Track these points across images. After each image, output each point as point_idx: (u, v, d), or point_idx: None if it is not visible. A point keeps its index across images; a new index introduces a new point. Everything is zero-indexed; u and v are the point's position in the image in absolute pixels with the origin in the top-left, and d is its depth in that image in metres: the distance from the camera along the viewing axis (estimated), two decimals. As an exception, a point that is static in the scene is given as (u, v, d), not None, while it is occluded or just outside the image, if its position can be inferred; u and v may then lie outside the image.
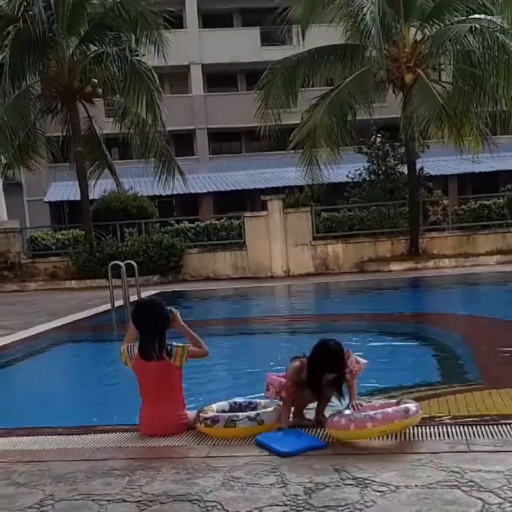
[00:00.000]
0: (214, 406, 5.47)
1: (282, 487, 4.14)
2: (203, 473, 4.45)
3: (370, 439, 4.89)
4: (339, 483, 4.16)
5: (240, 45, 35.67)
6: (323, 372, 5.27)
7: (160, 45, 20.96)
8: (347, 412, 5.17)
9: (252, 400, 5.57)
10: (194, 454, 4.87)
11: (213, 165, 35.82)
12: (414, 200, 21.30)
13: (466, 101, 19.33)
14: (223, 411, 5.38)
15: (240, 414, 5.20)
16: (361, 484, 4.13)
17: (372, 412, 4.93)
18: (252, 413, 5.18)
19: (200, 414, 5.27)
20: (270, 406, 5.34)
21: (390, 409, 4.94)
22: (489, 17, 18.85)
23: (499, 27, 18.46)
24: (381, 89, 21.46)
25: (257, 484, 4.21)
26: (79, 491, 4.27)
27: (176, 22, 24.09)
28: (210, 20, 37.42)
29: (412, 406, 5.00)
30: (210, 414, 5.25)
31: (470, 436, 4.93)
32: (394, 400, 5.50)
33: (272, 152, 32.59)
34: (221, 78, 38.15)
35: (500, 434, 4.95)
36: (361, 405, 5.37)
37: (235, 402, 5.58)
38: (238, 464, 4.56)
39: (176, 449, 5.01)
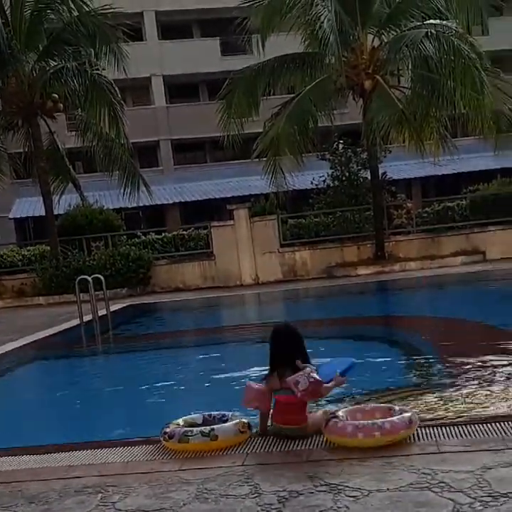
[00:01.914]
0: (182, 419, 5.46)
1: (256, 497, 4.16)
2: (176, 486, 4.45)
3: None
4: (312, 490, 4.19)
5: (201, 55, 35.70)
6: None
7: (120, 58, 20.89)
8: (340, 414, 5.19)
9: (225, 413, 5.56)
10: (167, 468, 4.86)
11: (178, 175, 35.77)
12: (379, 204, 21.49)
13: (425, 105, 19.57)
14: (195, 424, 5.38)
15: (194, 429, 5.17)
16: (334, 490, 4.16)
17: (379, 421, 4.95)
18: (207, 428, 5.14)
19: (164, 428, 5.28)
20: (236, 419, 5.34)
21: (395, 419, 4.97)
22: (444, 22, 19.08)
23: (454, 32, 18.72)
24: (341, 96, 21.64)
25: (230, 495, 4.22)
26: (52, 510, 4.24)
27: (135, 35, 24.03)
28: (170, 31, 37.40)
29: (412, 415, 5.05)
30: (171, 428, 5.25)
31: (440, 437, 5.00)
32: (385, 405, 5.55)
33: (237, 161, 32.65)
34: (183, 89, 38.13)
35: (469, 434, 5.02)
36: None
37: (210, 415, 5.58)
38: (211, 476, 4.57)
39: (149, 464, 5.00)
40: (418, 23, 19.84)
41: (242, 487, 4.34)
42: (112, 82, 21.11)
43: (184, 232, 23.13)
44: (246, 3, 20.68)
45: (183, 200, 32.96)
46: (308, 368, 5.30)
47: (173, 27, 37.58)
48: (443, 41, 18.36)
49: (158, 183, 30.01)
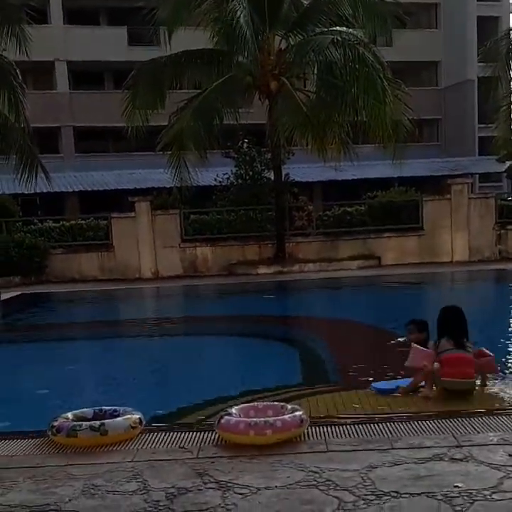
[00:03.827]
0: (72, 413, 5.35)
1: (144, 493, 4.13)
2: (62, 482, 4.35)
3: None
4: (201, 487, 4.19)
5: (107, 43, 35.01)
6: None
7: (22, 39, 20.16)
8: (233, 411, 5.21)
9: (117, 408, 5.48)
10: (53, 462, 4.74)
11: (80, 164, 34.97)
12: (281, 205, 21.69)
13: (329, 110, 19.85)
14: (85, 418, 5.28)
15: (84, 423, 5.09)
16: (223, 487, 4.18)
17: (271, 419, 4.99)
18: (96, 423, 5.07)
19: (52, 422, 5.16)
20: (127, 414, 5.27)
21: (287, 417, 5.02)
22: (350, 30, 19.44)
23: (359, 40, 19.12)
24: (248, 95, 21.69)
25: (118, 491, 4.16)
26: None
27: (40, 17, 23.27)
28: (76, 16, 36.45)
29: (303, 415, 5.11)
30: (59, 422, 5.13)
31: (329, 436, 5.10)
32: (278, 403, 5.61)
33: (141, 153, 32.22)
34: (88, 76, 37.28)
35: (357, 433, 5.15)
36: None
37: (100, 409, 5.49)
38: (99, 472, 4.49)
39: (35, 458, 4.87)
40: (325, 29, 20.11)
41: (130, 483, 4.29)
42: (13, 63, 20.37)
43: (83, 222, 22.61)
44: (154, -7, 20.42)
45: (83, 189, 32.26)
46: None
47: (80, 12, 36.64)
48: (348, 49, 18.69)
49: (58, 170, 29.23)
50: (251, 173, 23.47)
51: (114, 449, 4.94)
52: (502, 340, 9.85)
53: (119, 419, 5.18)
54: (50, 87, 36.39)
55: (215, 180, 24.22)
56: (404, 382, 6.91)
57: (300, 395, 7.17)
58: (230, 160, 23.89)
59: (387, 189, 23.70)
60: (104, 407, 5.52)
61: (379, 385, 7.04)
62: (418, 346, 6.90)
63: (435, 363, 6.53)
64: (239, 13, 18.57)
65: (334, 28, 19.69)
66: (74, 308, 17.15)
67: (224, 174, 23.96)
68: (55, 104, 35.17)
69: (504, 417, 5.43)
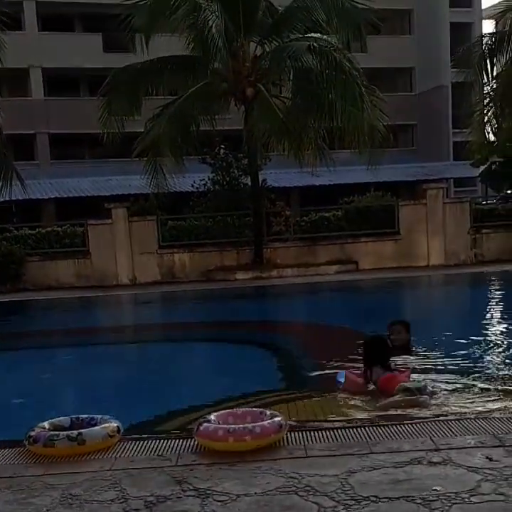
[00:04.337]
0: (49, 422, 5.29)
1: (123, 502, 4.09)
2: (39, 491, 4.30)
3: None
4: (180, 495, 4.17)
5: (83, 50, 34.90)
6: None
7: (-5, 46, 20.02)
8: (212, 417, 5.20)
9: (95, 416, 5.43)
10: (30, 472, 4.69)
11: (55, 171, 34.76)
12: (258, 211, 21.72)
13: (305, 116, 19.93)
14: (62, 427, 5.23)
15: (61, 433, 5.02)
16: (202, 495, 4.16)
17: (250, 425, 4.97)
18: (74, 432, 5.01)
19: (28, 432, 5.11)
20: (105, 423, 5.23)
21: (266, 423, 5.01)
22: (325, 36, 19.55)
23: (335, 47, 19.24)
24: (224, 102, 21.72)
25: (96, 501, 4.13)
26: None
27: (14, 24, 23.14)
28: (51, 23, 36.32)
29: (282, 420, 5.10)
30: (36, 431, 5.08)
31: (308, 441, 5.09)
32: (257, 409, 5.60)
33: (117, 159, 32.09)
34: (63, 83, 37.06)
35: (336, 438, 5.15)
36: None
37: (78, 418, 5.42)
38: (77, 481, 4.45)
39: (11, 468, 4.81)
40: (300, 36, 20.20)
41: (108, 492, 4.26)
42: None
43: (59, 229, 22.46)
44: (130, 0, 20.34)
45: (59, 196, 32.07)
46: None
47: (55, 19, 36.49)
48: (324, 55, 18.82)
49: (33, 177, 29.07)
50: (228, 178, 23.48)
51: (92, 457, 4.89)
52: (475, 340, 9.94)
53: (96, 428, 5.13)
54: (24, 94, 36.20)
55: (192, 186, 24.20)
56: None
57: (279, 400, 7.18)
58: (207, 166, 23.87)
59: (363, 194, 23.82)
60: (81, 416, 5.46)
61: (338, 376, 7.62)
62: (350, 373, 7.51)
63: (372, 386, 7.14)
64: (211, 22, 18.61)
65: (309, 35, 19.79)
66: (50, 316, 17.01)
67: (201, 180, 23.94)
68: (30, 110, 35.00)
69: (481, 420, 5.46)
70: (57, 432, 5.01)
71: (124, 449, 5.09)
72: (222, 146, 23.72)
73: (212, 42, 18.50)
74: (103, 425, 5.16)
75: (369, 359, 7.31)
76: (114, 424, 5.24)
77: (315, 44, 18.98)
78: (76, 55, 34.67)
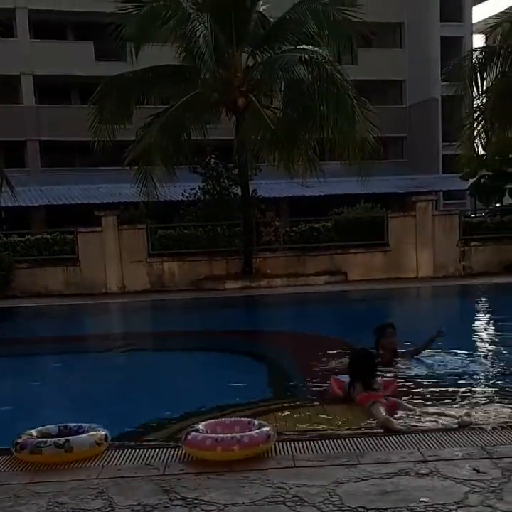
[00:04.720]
0: (36, 430, 5.27)
1: (110, 511, 4.08)
2: (26, 500, 4.28)
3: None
4: (168, 504, 4.16)
5: (74, 58, 34.88)
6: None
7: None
8: (200, 427, 5.19)
9: (82, 425, 5.41)
10: (17, 480, 4.67)
11: (46, 178, 34.66)
12: (248, 220, 21.72)
13: (296, 128, 19.98)
14: (50, 435, 5.21)
15: (48, 440, 5.02)
16: (190, 504, 4.16)
17: (238, 435, 4.98)
18: (61, 439, 5.01)
19: (15, 439, 5.09)
20: (92, 431, 5.22)
21: (254, 433, 5.01)
22: (316, 48, 19.63)
23: (326, 58, 19.33)
24: (215, 112, 21.76)
25: (82, 509, 4.12)
26: None
27: (6, 31, 23.15)
28: (43, 31, 36.31)
29: (270, 430, 5.11)
30: (23, 438, 5.05)
31: (296, 452, 5.10)
32: (245, 419, 5.59)
33: (108, 167, 32.05)
34: (54, 90, 37.04)
35: (324, 449, 5.16)
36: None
37: (65, 426, 5.42)
38: (64, 489, 4.44)
39: (-2, 476, 4.79)
40: (292, 47, 20.29)
41: (95, 501, 4.25)
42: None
43: (49, 236, 22.40)
44: (122, 10, 20.38)
45: (49, 203, 31.98)
46: None
47: (47, 27, 36.45)
48: (316, 67, 18.90)
49: (23, 184, 28.98)
50: (218, 188, 23.50)
51: (79, 466, 4.88)
52: (462, 352, 9.98)
53: (84, 435, 5.12)
54: (16, 101, 36.12)
55: (183, 195, 24.20)
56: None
57: (267, 410, 7.17)
58: (198, 175, 23.89)
59: (353, 205, 23.89)
60: (69, 424, 5.46)
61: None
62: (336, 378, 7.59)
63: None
64: (199, 32, 18.66)
65: (301, 46, 19.87)
66: (38, 324, 16.92)
67: (191, 189, 23.95)
68: (21, 117, 34.95)
69: (469, 432, 5.48)
70: (44, 439, 5.00)
71: (112, 457, 5.08)
72: (213, 156, 23.74)
73: (198, 53, 18.57)
74: (91, 433, 5.15)
75: (352, 374, 7.31)
76: (102, 432, 5.23)
77: (306, 56, 19.06)
78: (68, 63, 34.66)
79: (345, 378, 7.41)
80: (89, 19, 34.60)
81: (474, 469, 4.54)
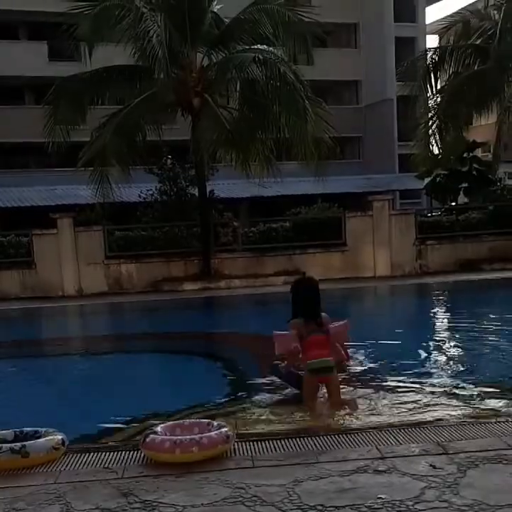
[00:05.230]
0: None
1: (67, 516, 4.04)
2: (-19, 507, 4.22)
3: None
4: (126, 508, 4.13)
5: (27, 58, 34.45)
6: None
7: None
8: (159, 429, 5.16)
9: (39, 429, 5.34)
10: (-29, 486, 4.60)
11: (-1, 180, 34.18)
12: (206, 221, 21.67)
13: (252, 127, 20.02)
14: (5, 440, 5.13)
15: (4, 445, 4.93)
16: (149, 507, 4.13)
17: (197, 436, 4.96)
18: (17, 445, 4.93)
19: None
20: (49, 436, 5.16)
21: (213, 434, 5.00)
22: (271, 49, 19.71)
23: (280, 59, 19.41)
24: (170, 112, 21.68)
25: (40, 515, 4.07)
26: None
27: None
28: (-5, 30, 35.82)
29: (229, 431, 5.10)
30: None
31: (255, 452, 5.11)
32: (204, 420, 5.58)
33: (63, 169, 31.65)
34: (7, 91, 36.51)
35: (283, 448, 5.17)
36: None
37: (21, 431, 5.33)
38: (21, 495, 4.38)
39: (-50, 483, 4.70)
40: (246, 47, 20.33)
41: (52, 506, 4.20)
42: None
43: (3, 239, 22.05)
44: (74, 9, 20.15)
45: (2, 206, 31.51)
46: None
47: (-1, 26, 36.03)
48: (270, 67, 18.97)
49: (-24, 186, 28.54)
50: (175, 189, 23.41)
51: (36, 471, 4.82)
52: (418, 349, 10.12)
53: (41, 440, 5.05)
54: (-34, 102, 35.53)
55: (139, 196, 24.05)
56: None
57: (226, 411, 7.17)
58: (154, 176, 23.76)
59: (311, 205, 24.01)
60: (24, 429, 5.38)
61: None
62: (279, 333, 7.44)
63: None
64: (152, 32, 18.59)
65: (255, 46, 19.94)
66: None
67: (148, 190, 23.81)
68: (-28, 118, 34.35)
69: (425, 428, 5.55)
70: (0, 445, 4.92)
71: (69, 461, 5.02)
72: (169, 157, 23.65)
73: (151, 52, 18.50)
74: (47, 438, 5.09)
75: (295, 306, 7.37)
76: (59, 436, 5.17)
77: (260, 56, 19.13)
78: (21, 63, 34.23)
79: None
80: (42, 19, 34.18)
81: (431, 465, 4.60)
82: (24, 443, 4.95)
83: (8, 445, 4.92)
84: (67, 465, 4.96)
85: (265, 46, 19.67)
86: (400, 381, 8.20)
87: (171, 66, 19.22)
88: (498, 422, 5.66)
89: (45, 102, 20.96)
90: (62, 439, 5.16)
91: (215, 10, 21.45)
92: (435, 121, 23.36)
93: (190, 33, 20.04)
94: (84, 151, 20.20)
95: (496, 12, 25.23)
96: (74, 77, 20.65)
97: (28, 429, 5.38)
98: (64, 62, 30.62)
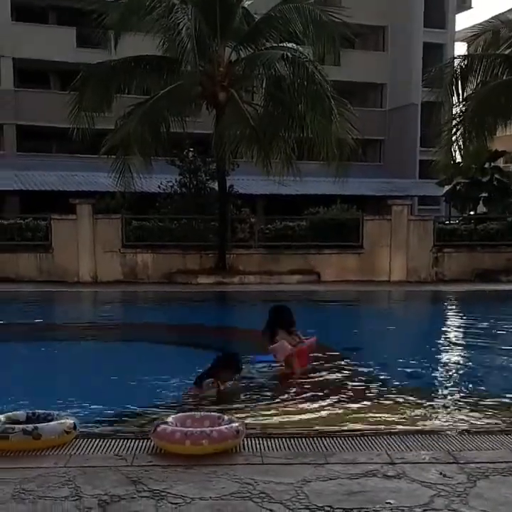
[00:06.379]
0: (4, 416, 5.23)
1: (76, 500, 4.07)
2: (-9, 486, 4.25)
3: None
4: (135, 496, 4.15)
5: (56, 43, 34.59)
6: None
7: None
8: (170, 420, 5.18)
9: (51, 412, 5.38)
10: (-19, 466, 4.64)
11: (21, 162, 34.29)
12: (224, 216, 21.69)
13: (275, 125, 20.03)
14: (18, 421, 5.16)
15: (16, 426, 4.98)
16: (157, 496, 4.15)
17: (208, 429, 4.97)
18: (29, 426, 4.97)
19: None
20: (61, 419, 5.19)
21: (223, 428, 5.01)
22: (299, 47, 19.68)
23: (308, 58, 19.38)
24: (196, 105, 21.70)
25: (49, 497, 4.10)
26: None
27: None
28: (25, 13, 35.88)
29: (239, 426, 5.11)
30: None
31: (265, 449, 5.11)
32: (215, 414, 5.60)
33: (85, 155, 31.78)
34: (34, 75, 36.68)
35: (293, 447, 5.18)
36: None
37: (34, 413, 5.38)
38: (31, 476, 4.41)
39: (-37, 461, 4.75)
40: (275, 45, 20.33)
41: (62, 489, 4.23)
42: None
43: (22, 221, 22.18)
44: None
45: (24, 189, 31.69)
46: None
47: (29, 9, 36.06)
48: (298, 65, 18.95)
49: (-3, 167, 28.71)
50: (195, 182, 23.45)
51: (47, 453, 4.85)
52: (429, 358, 10.09)
53: (53, 423, 5.09)
54: (-7, 83, 35.71)
55: (159, 187, 24.11)
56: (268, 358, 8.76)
57: (237, 406, 7.17)
58: (175, 168, 23.80)
59: (329, 206, 23.96)
60: (37, 411, 5.42)
61: (260, 357, 8.85)
62: (276, 346, 8.53)
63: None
64: (182, 24, 18.60)
65: (284, 44, 19.92)
66: (6, 310, 16.74)
67: (168, 182, 23.87)
68: (-2, 100, 34.54)
69: (436, 436, 5.54)
70: (12, 425, 4.95)
71: (80, 446, 5.06)
72: (191, 149, 23.68)
73: (180, 44, 18.51)
74: (59, 421, 5.12)
75: (278, 324, 8.75)
76: (71, 420, 5.21)
77: (289, 54, 19.11)
78: (49, 48, 34.36)
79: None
80: (72, 4, 34.20)
81: (440, 473, 4.59)
82: (36, 425, 4.99)
83: (21, 426, 4.95)
84: (77, 449, 4.99)
85: (293, 44, 19.65)
86: (410, 387, 8.17)
87: (199, 59, 19.24)
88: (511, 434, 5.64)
89: (71, 87, 21.02)
90: (73, 423, 5.20)
91: (246, 5, 21.44)
92: (459, 128, 23.17)
93: (220, 27, 20.05)
94: (107, 139, 20.26)
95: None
96: (102, 65, 20.73)
97: (41, 411, 5.42)
98: (91, 50, 30.74)
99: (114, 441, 5.22)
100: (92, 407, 7.07)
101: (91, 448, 5.05)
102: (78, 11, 29.75)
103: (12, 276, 20.92)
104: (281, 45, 20.09)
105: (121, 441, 5.23)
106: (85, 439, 5.20)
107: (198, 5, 19.65)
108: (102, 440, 5.22)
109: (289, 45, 19.82)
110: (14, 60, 35.41)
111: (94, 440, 5.20)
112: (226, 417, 5.41)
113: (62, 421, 5.15)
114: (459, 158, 25.62)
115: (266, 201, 34.11)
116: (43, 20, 37.13)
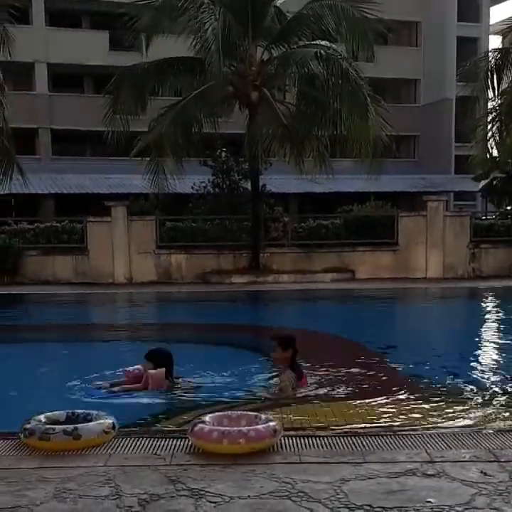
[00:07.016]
0: (44, 416, 5.29)
1: (116, 499, 4.10)
2: (33, 484, 4.31)
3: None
4: (174, 494, 4.17)
5: (89, 47, 34.93)
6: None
7: (5, 39, 19.98)
8: (207, 419, 5.20)
9: (90, 412, 5.43)
10: (25, 464, 4.70)
11: (56, 166, 34.69)
12: (257, 215, 21.71)
13: (308, 123, 19.99)
14: (58, 421, 5.22)
15: (57, 427, 5.03)
16: (196, 495, 4.16)
17: (245, 429, 4.98)
18: (70, 427, 5.02)
19: (24, 424, 5.10)
20: (100, 419, 5.23)
21: (260, 427, 5.02)
22: (332, 45, 19.61)
23: (342, 55, 19.30)
24: (228, 105, 21.75)
25: (90, 496, 4.13)
26: None
27: (21, 17, 23.10)
28: (58, 19, 36.35)
29: (276, 425, 5.11)
30: (31, 424, 5.07)
31: (302, 448, 5.10)
32: (252, 413, 5.60)
33: (118, 158, 31.97)
34: (68, 79, 37.13)
35: (330, 445, 5.15)
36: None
37: (73, 413, 5.43)
38: (71, 476, 4.46)
39: (6, 460, 4.82)
40: (308, 43, 20.28)
41: (102, 488, 4.26)
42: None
43: (58, 224, 22.44)
44: (138, 1, 20.40)
45: (59, 192, 32.06)
46: None
47: (62, 14, 36.55)
48: (331, 63, 18.88)
49: (34, 171, 28.98)
50: (228, 182, 23.51)
51: (87, 453, 4.90)
52: (470, 355, 9.97)
53: (92, 423, 5.14)
54: (29, 88, 36.17)
55: (192, 188, 24.20)
56: None
57: (273, 405, 7.17)
58: (207, 168, 23.88)
59: (363, 203, 23.84)
60: (76, 411, 5.47)
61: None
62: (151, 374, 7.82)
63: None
64: (207, 24, 18.63)
65: (317, 42, 19.86)
66: (42, 311, 16.94)
67: (201, 182, 23.96)
68: (33, 105, 35.00)
69: (476, 434, 5.47)
70: (53, 426, 5.01)
71: (119, 446, 5.10)
72: (224, 149, 23.73)
73: (204, 45, 18.55)
74: (98, 421, 5.17)
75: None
76: (110, 420, 5.25)
77: (322, 51, 19.06)
78: (82, 52, 34.70)
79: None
80: (105, 8, 34.57)
81: (481, 472, 4.53)
82: (76, 425, 5.04)
83: (61, 427, 5.01)
84: (116, 449, 5.03)
85: (326, 42, 19.58)
86: (450, 385, 8.09)
87: (229, 59, 19.29)
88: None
89: (105, 91, 21.21)
90: (112, 423, 5.24)
91: (278, 4, 21.41)
92: (496, 123, 22.90)
93: (252, 26, 20.07)
94: (139, 140, 20.39)
95: None
96: (135, 67, 20.89)
97: (80, 411, 5.47)
98: (124, 52, 30.94)
99: (152, 440, 5.24)
100: (131, 406, 7.12)
101: (130, 447, 5.08)
102: (111, 14, 30.11)
103: (50, 278, 21.20)
104: (314, 43, 20.05)
105: (160, 440, 5.25)
106: (124, 439, 5.23)
107: (229, 5, 19.68)
108: (140, 439, 5.25)
109: (322, 42, 19.78)
110: (48, 64, 35.88)
111: (132, 439, 5.24)
112: (263, 416, 5.41)
113: (102, 421, 5.20)
114: (495, 153, 25.31)
115: (299, 200, 34.07)
116: (76, 25, 37.56)
